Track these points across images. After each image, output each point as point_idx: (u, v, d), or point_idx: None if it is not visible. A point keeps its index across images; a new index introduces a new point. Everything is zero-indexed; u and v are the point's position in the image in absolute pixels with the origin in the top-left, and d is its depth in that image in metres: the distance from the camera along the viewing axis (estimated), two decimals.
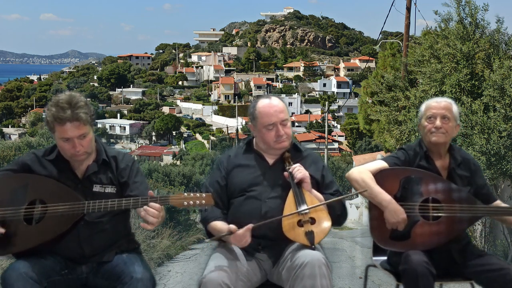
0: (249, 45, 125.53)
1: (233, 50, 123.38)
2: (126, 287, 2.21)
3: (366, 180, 2.58)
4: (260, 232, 2.44)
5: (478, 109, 6.46)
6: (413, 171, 2.62)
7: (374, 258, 2.88)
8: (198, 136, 70.34)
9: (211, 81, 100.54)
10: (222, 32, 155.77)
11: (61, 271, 2.30)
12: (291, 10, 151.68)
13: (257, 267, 2.46)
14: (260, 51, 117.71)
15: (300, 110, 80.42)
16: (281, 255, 2.44)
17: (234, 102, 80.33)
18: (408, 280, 2.42)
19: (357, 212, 21.82)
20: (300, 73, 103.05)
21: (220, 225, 2.44)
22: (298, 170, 2.46)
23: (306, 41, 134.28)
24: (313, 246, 2.31)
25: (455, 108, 2.68)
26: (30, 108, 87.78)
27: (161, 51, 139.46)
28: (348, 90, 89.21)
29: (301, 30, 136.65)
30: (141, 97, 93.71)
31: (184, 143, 66.11)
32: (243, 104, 74.22)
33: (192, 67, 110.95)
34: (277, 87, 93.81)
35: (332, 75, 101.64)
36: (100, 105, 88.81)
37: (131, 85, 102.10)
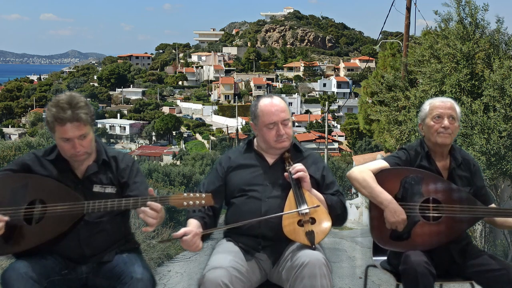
0: (249, 45, 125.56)
1: (233, 50, 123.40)
2: (126, 287, 2.21)
3: (367, 180, 2.58)
4: (260, 232, 2.44)
5: (478, 109, 6.46)
6: (413, 171, 2.61)
7: (374, 258, 2.88)
8: (198, 136, 70.36)
9: (211, 81, 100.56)
10: (222, 32, 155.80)
11: (61, 271, 2.30)
12: (291, 10, 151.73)
13: (257, 267, 2.46)
14: (260, 51, 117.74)
15: (300, 110, 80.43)
16: (281, 255, 2.43)
17: (234, 102, 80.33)
18: (407, 280, 2.41)
19: (357, 212, 21.82)
20: (300, 73, 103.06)
21: (191, 223, 2.40)
22: (298, 170, 2.46)
23: (306, 41, 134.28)
24: (313, 246, 2.30)
25: (458, 108, 2.69)
26: (30, 108, 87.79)
27: (161, 51, 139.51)
28: (348, 90, 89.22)
29: (301, 30, 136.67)
30: (141, 97, 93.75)
31: (184, 143, 66.13)
32: (243, 104, 74.27)
33: (192, 67, 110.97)
34: (277, 87, 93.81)
35: (332, 75, 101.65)
36: (100, 105, 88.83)
37: (131, 85, 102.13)
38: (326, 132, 34.96)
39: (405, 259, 2.43)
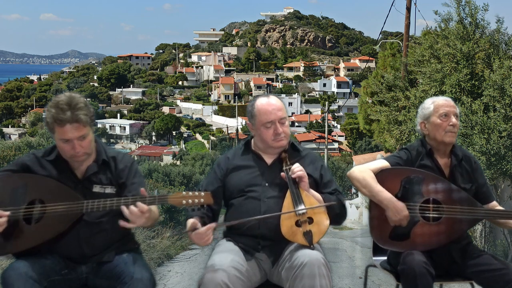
0: (249, 45, 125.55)
1: (233, 50, 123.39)
2: (126, 287, 2.21)
3: (367, 179, 2.58)
4: (259, 232, 2.44)
5: (478, 109, 6.46)
6: (414, 171, 2.61)
7: (374, 258, 2.89)
8: (198, 136, 70.37)
9: (211, 81, 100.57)
10: (222, 32, 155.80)
11: (61, 271, 2.30)
12: (291, 10, 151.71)
13: (257, 267, 2.46)
14: (260, 51, 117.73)
15: (300, 110, 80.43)
16: (281, 255, 2.43)
17: (234, 102, 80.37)
18: (406, 280, 2.41)
19: (357, 212, 21.80)
20: (300, 73, 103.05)
21: (191, 222, 2.39)
22: (296, 170, 2.46)
23: (306, 41, 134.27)
24: (311, 246, 2.30)
25: (458, 107, 2.73)
26: (30, 108, 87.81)
27: (161, 51, 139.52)
28: (348, 90, 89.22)
29: (301, 30, 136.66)
30: (141, 97, 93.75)
31: (184, 143, 66.14)
32: (243, 104, 74.19)
33: (192, 67, 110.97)
34: (277, 87, 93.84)
35: (332, 75, 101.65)
36: (100, 105, 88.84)
37: (131, 85, 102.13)
38: (326, 132, 34.97)
39: (404, 259, 2.43)
